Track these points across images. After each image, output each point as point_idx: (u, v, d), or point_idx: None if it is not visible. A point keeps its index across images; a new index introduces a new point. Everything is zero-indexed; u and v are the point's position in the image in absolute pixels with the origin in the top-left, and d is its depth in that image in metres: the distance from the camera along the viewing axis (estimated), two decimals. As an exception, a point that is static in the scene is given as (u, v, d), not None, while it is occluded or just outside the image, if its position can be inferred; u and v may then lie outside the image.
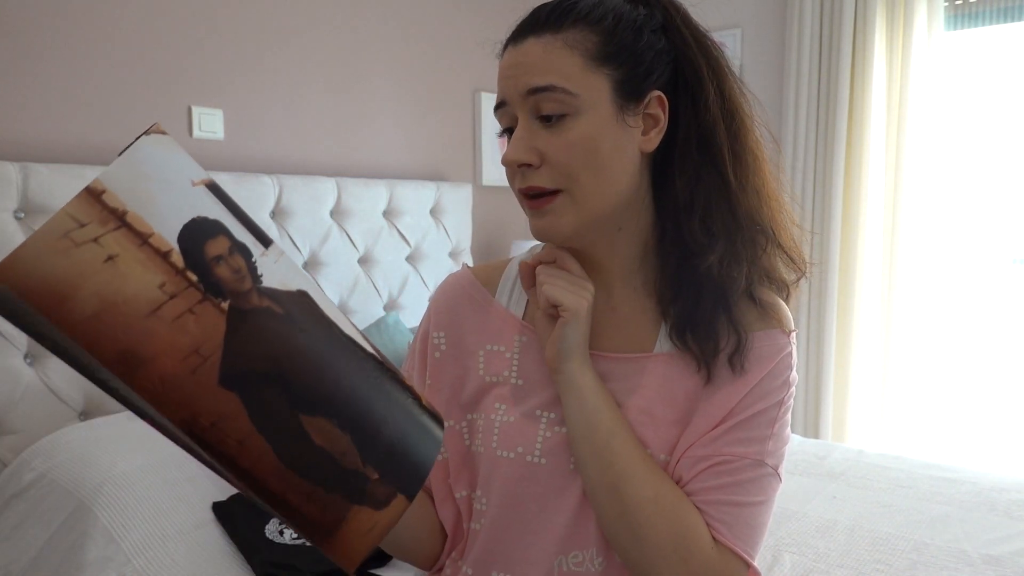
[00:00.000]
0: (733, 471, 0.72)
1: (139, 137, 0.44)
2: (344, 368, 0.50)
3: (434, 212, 2.62)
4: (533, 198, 0.73)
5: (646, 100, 0.73)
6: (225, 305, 0.45)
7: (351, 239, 2.31)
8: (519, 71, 0.72)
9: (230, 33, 2.09)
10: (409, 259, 2.54)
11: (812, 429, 2.97)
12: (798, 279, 0.80)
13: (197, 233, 0.45)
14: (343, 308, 2.31)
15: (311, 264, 2.22)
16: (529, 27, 0.73)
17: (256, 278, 0.47)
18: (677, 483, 0.73)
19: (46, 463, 1.53)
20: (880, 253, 2.86)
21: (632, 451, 0.72)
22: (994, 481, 1.83)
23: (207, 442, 0.44)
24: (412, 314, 2.49)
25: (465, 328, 0.84)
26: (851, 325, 2.90)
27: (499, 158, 2.98)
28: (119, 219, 0.42)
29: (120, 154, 0.43)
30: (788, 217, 0.79)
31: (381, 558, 1.42)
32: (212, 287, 0.45)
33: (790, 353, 0.76)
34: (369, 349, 0.53)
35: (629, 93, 0.72)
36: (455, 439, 0.82)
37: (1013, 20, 2.65)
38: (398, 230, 2.47)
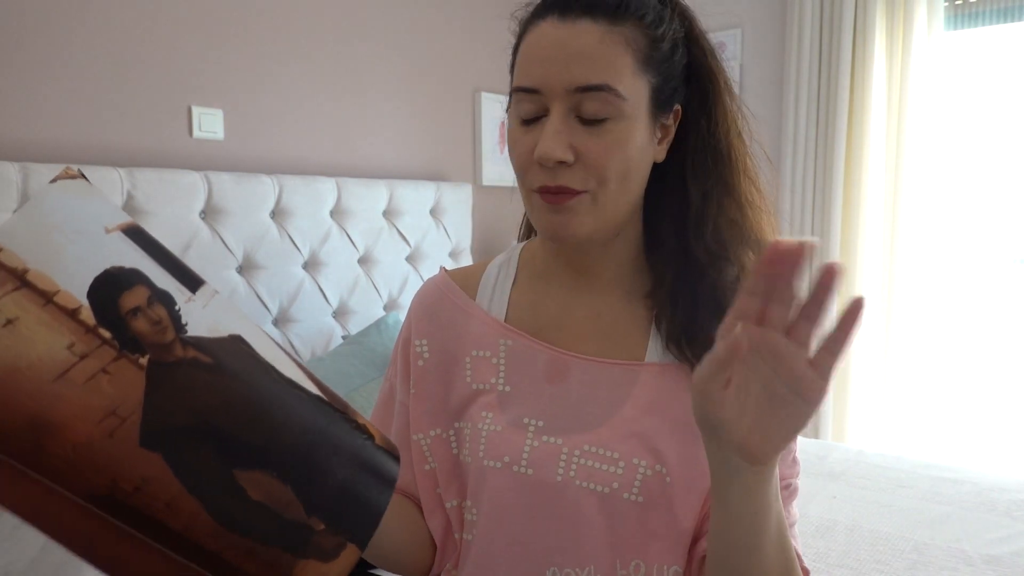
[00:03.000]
0: (783, 499, 0.71)
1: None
2: (283, 414, 0.47)
3: (434, 212, 2.61)
4: (554, 194, 0.68)
5: (671, 112, 0.71)
6: (144, 360, 0.43)
7: (351, 239, 2.31)
8: (568, 57, 0.65)
9: (230, 33, 2.09)
10: (409, 259, 2.54)
11: (812, 429, 2.97)
12: None
13: (110, 285, 0.42)
14: (343, 308, 2.31)
15: (311, 264, 2.22)
16: (586, 5, 0.66)
17: (180, 327, 0.45)
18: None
19: (46, 463, 1.53)
20: (880, 253, 2.86)
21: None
22: (994, 481, 1.83)
23: (132, 508, 0.41)
24: (412, 314, 2.48)
25: (447, 334, 0.80)
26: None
27: (499, 158, 2.97)
28: (19, 279, 0.39)
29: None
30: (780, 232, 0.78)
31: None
32: (128, 343, 0.42)
33: None
34: (314, 390, 0.50)
35: (661, 104, 0.70)
36: (443, 448, 0.79)
37: (1013, 20, 2.65)
38: (398, 230, 2.47)
